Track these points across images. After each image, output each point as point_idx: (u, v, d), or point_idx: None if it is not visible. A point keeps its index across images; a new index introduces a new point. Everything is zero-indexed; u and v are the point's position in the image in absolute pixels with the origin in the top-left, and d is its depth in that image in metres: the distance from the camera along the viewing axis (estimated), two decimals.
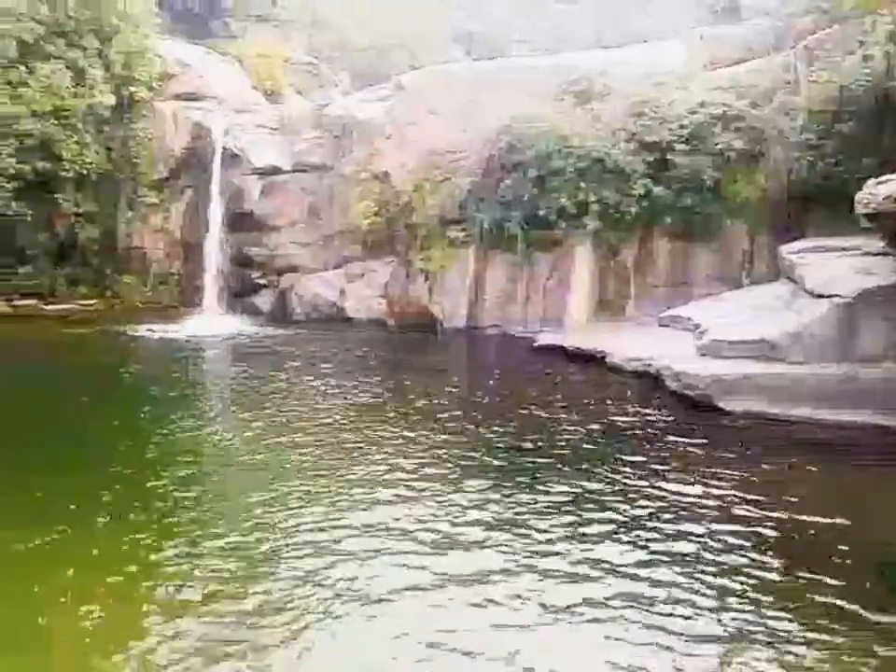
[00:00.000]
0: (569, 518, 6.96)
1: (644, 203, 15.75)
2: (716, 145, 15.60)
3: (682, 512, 7.12)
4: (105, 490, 7.34)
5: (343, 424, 9.93)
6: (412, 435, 9.44)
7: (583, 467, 8.31)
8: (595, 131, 16.17)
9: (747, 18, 21.53)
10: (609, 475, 8.08)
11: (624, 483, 7.86)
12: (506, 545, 6.36)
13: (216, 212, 20.19)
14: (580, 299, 16.96)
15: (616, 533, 6.64)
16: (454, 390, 12.58)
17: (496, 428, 9.78)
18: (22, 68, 18.18)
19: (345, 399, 11.35)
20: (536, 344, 15.63)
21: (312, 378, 12.78)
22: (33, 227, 19.36)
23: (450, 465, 8.34)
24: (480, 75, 19.40)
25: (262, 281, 20.93)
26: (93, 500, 7.09)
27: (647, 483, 7.84)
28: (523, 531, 6.64)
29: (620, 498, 7.43)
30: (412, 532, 6.57)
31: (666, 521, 6.92)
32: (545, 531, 6.65)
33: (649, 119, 16.14)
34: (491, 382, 12.96)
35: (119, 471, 7.94)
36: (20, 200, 18.45)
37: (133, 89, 20.18)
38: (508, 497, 7.44)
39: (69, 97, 18.56)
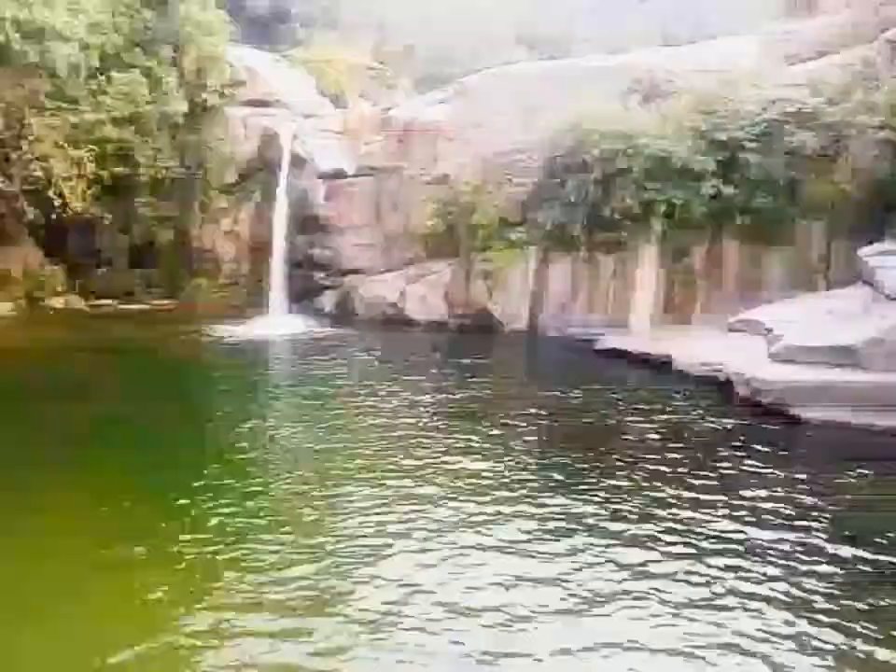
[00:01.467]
0: (636, 531, 6.81)
1: (713, 204, 15.33)
2: (790, 143, 15.04)
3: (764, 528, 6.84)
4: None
5: (410, 425, 9.94)
6: (476, 437, 9.38)
7: (649, 475, 8.11)
8: (663, 130, 15.81)
9: (824, 11, 20.65)
10: (678, 485, 7.84)
11: (697, 494, 7.59)
12: (580, 553, 6.27)
13: (282, 215, 20.69)
14: (644, 301, 16.64)
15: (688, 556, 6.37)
16: (515, 393, 12.51)
17: (559, 433, 9.67)
18: (103, 78, 19.04)
19: (409, 400, 11.40)
20: (598, 347, 15.43)
21: (375, 380, 12.89)
22: (111, 230, 20.26)
23: (510, 474, 8.18)
24: (543, 75, 19.27)
25: (326, 282, 21.32)
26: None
27: (724, 496, 7.54)
28: (597, 540, 6.55)
29: (691, 511, 7.14)
30: (499, 542, 6.57)
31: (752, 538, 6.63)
32: (611, 534, 6.55)
33: (718, 117, 15.70)
34: (553, 385, 12.81)
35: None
36: (99, 204, 19.30)
37: (204, 96, 20.89)
38: (575, 506, 7.26)
39: (146, 104, 19.32)
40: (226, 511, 6.96)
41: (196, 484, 7.62)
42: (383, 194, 20.62)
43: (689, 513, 7.05)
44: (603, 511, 7.12)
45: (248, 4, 26.18)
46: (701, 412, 10.77)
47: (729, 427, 10.09)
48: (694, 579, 5.82)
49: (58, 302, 19.25)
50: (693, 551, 6.29)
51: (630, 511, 7.11)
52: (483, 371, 14.16)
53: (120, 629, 5.10)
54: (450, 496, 7.41)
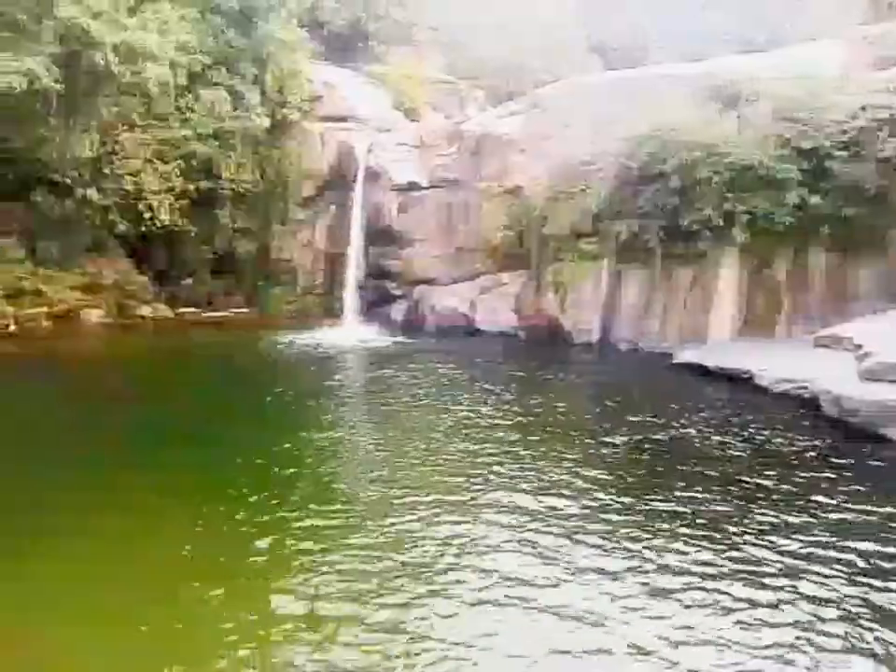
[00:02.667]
0: (713, 549, 6.61)
1: (799, 214, 14.78)
2: (880, 151, 14.36)
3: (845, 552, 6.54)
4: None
5: (479, 438, 9.93)
6: (548, 451, 9.31)
7: (729, 496, 7.83)
8: (744, 138, 15.38)
9: None
10: (761, 506, 7.57)
11: (783, 516, 7.31)
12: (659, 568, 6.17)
13: (357, 227, 21.20)
14: (723, 314, 16.16)
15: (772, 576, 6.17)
16: (588, 407, 12.38)
17: (636, 450, 9.42)
18: (190, 96, 19.96)
19: (473, 410, 11.36)
20: (674, 361, 15.06)
21: (445, 390, 12.97)
22: (195, 241, 21.16)
23: (583, 487, 8.09)
24: (617, 85, 19.07)
25: (397, 292, 21.63)
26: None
27: (805, 517, 7.25)
28: (675, 559, 6.41)
29: (773, 535, 6.87)
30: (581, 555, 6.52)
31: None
32: (693, 548, 6.38)
33: (803, 124, 15.14)
34: (627, 399, 12.58)
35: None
36: (185, 217, 20.20)
37: (285, 111, 21.61)
38: (656, 523, 7.14)
39: (229, 120, 20.15)
40: (312, 517, 7.09)
41: (279, 490, 7.82)
42: (454, 206, 20.80)
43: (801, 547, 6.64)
44: (701, 534, 6.88)
45: (328, 22, 26.95)
46: (787, 432, 10.34)
47: (819, 447, 9.65)
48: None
49: (146, 310, 20.20)
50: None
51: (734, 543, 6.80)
52: (557, 385, 14.01)
53: (205, 640, 5.22)
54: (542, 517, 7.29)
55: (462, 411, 11.27)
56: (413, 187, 21.37)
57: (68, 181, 18.13)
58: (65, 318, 18.51)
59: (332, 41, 27.27)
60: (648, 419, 10.90)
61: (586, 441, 9.80)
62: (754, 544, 6.64)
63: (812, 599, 5.71)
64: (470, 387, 13.01)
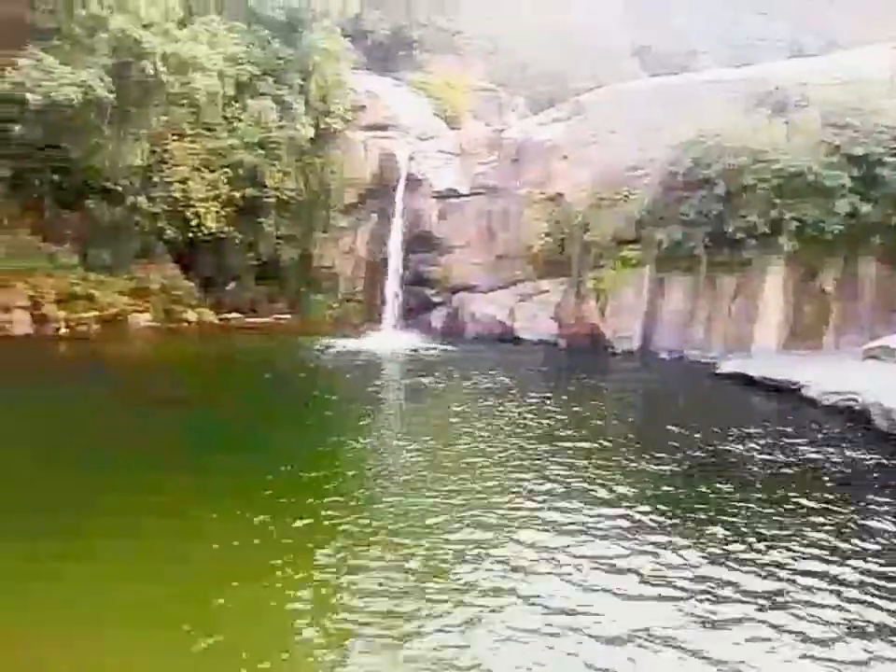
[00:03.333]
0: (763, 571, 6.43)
1: (849, 222, 14.38)
2: None
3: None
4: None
5: (519, 448, 9.84)
6: (591, 463, 9.16)
7: (779, 516, 7.57)
8: (792, 144, 15.04)
9: None
10: (814, 528, 7.31)
11: (835, 541, 7.06)
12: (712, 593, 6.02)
13: (397, 234, 21.38)
14: (769, 324, 15.80)
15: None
16: (632, 417, 12.18)
17: (680, 463, 9.19)
18: (237, 105, 20.41)
19: (520, 421, 11.27)
20: (718, 371, 14.77)
21: (484, 398, 12.89)
22: (240, 248, 21.58)
23: (627, 502, 7.92)
24: (662, 91, 18.87)
25: (437, 299, 21.73)
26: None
27: (858, 542, 6.95)
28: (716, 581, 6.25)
29: (827, 561, 6.58)
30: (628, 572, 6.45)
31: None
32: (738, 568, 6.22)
33: (854, 130, 14.75)
34: (671, 409, 12.37)
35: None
36: (231, 224, 20.63)
37: (328, 120, 21.93)
38: (697, 541, 6.93)
39: (275, 130, 20.53)
40: (354, 521, 7.14)
41: (320, 494, 7.89)
42: (495, 213, 20.81)
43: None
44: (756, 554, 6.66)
45: (371, 31, 27.31)
46: (837, 446, 10.02)
47: (870, 464, 9.31)
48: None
49: (191, 315, 20.65)
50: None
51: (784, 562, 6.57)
52: (599, 394, 13.88)
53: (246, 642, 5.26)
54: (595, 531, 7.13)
55: (502, 420, 11.20)
56: (453, 194, 21.47)
57: (119, 189, 18.69)
58: (114, 322, 19.05)
59: (375, 50, 27.60)
60: (693, 431, 10.66)
61: (630, 453, 9.61)
62: (808, 573, 6.28)
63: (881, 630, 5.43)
64: (510, 396, 12.92)
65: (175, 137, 19.64)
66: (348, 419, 11.49)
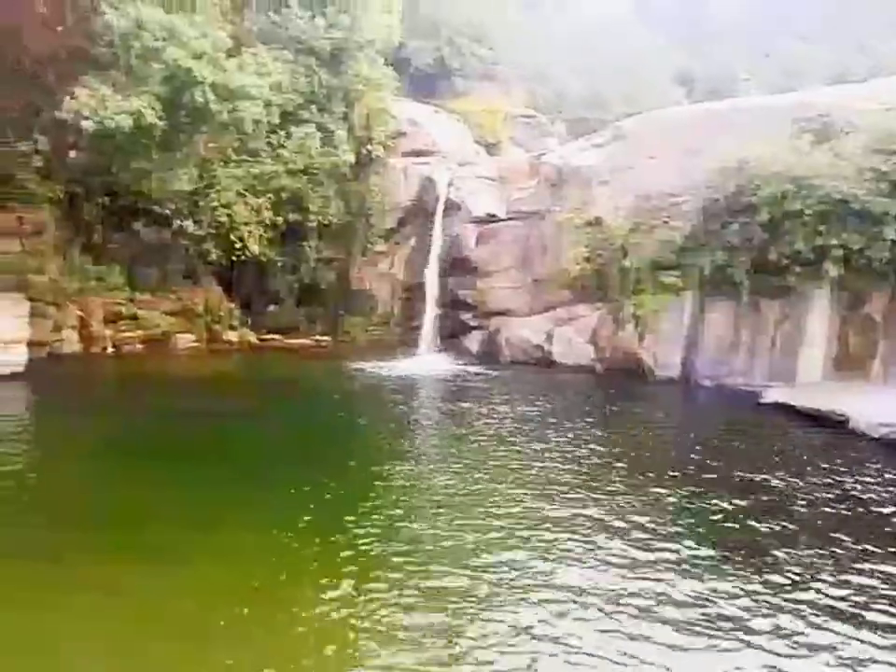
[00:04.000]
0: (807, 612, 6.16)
1: None
2: None
3: None
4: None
5: (559, 477, 9.66)
6: (630, 496, 8.91)
7: (835, 554, 7.28)
8: (838, 170, 14.74)
9: None
10: (859, 565, 7.04)
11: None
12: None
13: (435, 258, 21.56)
14: (814, 353, 15.38)
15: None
16: (669, 446, 11.91)
17: (722, 496, 8.87)
18: (282, 132, 20.90)
19: (556, 447, 11.13)
20: (761, 401, 14.42)
21: (522, 423, 12.80)
22: (281, 271, 21.99)
23: (672, 542, 7.59)
24: (704, 117, 18.73)
25: (473, 323, 21.75)
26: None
27: None
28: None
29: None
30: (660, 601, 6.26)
31: None
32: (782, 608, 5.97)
33: None
34: (713, 440, 12.04)
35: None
36: (273, 248, 21.04)
37: (370, 147, 22.32)
38: (756, 593, 6.50)
39: (318, 156, 20.95)
40: (387, 544, 7.11)
41: (354, 517, 7.89)
42: (532, 238, 20.83)
43: None
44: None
45: (413, 60, 27.85)
46: (883, 479, 9.66)
47: None
48: None
49: (233, 336, 21.05)
50: None
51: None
52: (638, 423, 13.59)
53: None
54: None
55: (539, 447, 11.05)
56: (491, 219, 21.59)
57: (167, 212, 19.25)
58: (158, 342, 19.54)
59: (416, 78, 28.10)
60: (738, 465, 10.35)
61: (674, 486, 9.31)
62: (883, 626, 5.86)
63: None
64: (549, 423, 12.77)
65: (221, 163, 20.17)
66: (384, 443, 11.52)
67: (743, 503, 8.67)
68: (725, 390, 16.13)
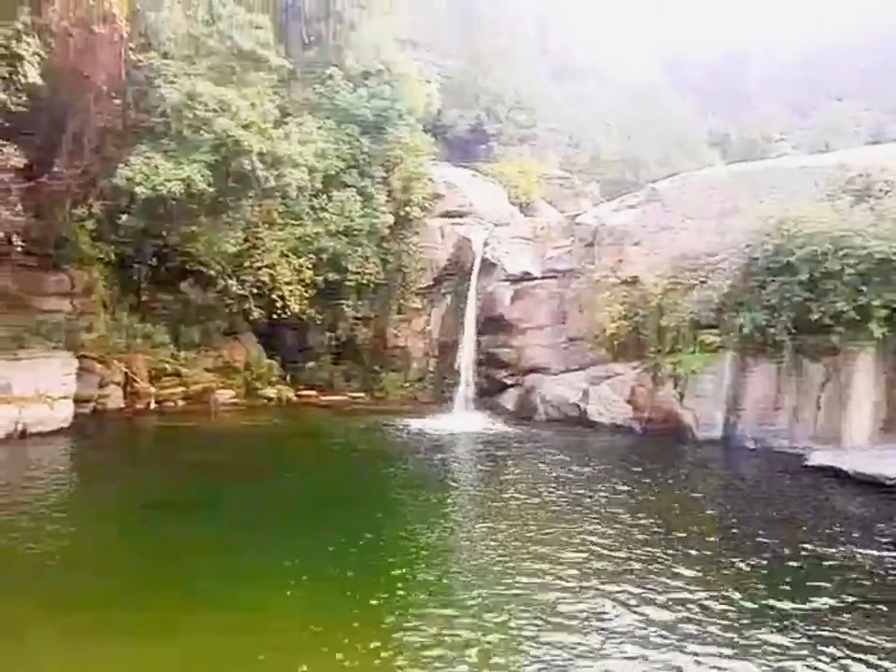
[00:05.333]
0: None
1: None
2: None
3: None
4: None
5: (602, 543, 9.36)
6: (673, 564, 8.57)
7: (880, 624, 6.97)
8: (879, 230, 14.60)
9: None
10: None
11: None
12: None
13: (470, 316, 21.75)
14: (861, 414, 14.92)
15: None
16: (716, 512, 11.49)
17: (770, 568, 8.51)
18: (324, 196, 21.64)
19: (600, 511, 10.82)
20: (806, 463, 13.96)
21: (558, 485, 12.49)
22: (319, 328, 22.43)
23: (731, 613, 7.21)
24: (739, 177, 18.82)
25: (508, 381, 21.71)
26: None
27: None
28: None
29: None
30: None
31: None
32: None
33: None
34: (758, 505, 11.64)
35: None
36: (312, 306, 21.52)
37: (408, 209, 22.96)
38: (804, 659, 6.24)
39: (358, 218, 21.60)
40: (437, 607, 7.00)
41: (389, 578, 7.81)
42: (567, 296, 20.91)
43: None
44: None
45: (450, 126, 28.80)
46: None
47: None
48: None
49: (271, 392, 21.37)
50: None
51: None
52: (680, 485, 13.21)
53: None
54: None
55: (581, 510, 10.79)
56: (526, 277, 21.77)
57: (212, 273, 19.91)
58: (199, 398, 19.93)
59: (454, 143, 28.99)
60: (785, 530, 9.97)
61: (721, 554, 8.95)
62: None
63: None
64: (588, 484, 12.53)
65: (266, 225, 20.91)
66: (421, 501, 11.43)
67: (795, 571, 8.31)
68: (769, 452, 15.69)
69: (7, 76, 12.33)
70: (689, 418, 17.29)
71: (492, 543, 9.10)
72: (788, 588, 7.84)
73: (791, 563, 8.69)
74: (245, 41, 17.10)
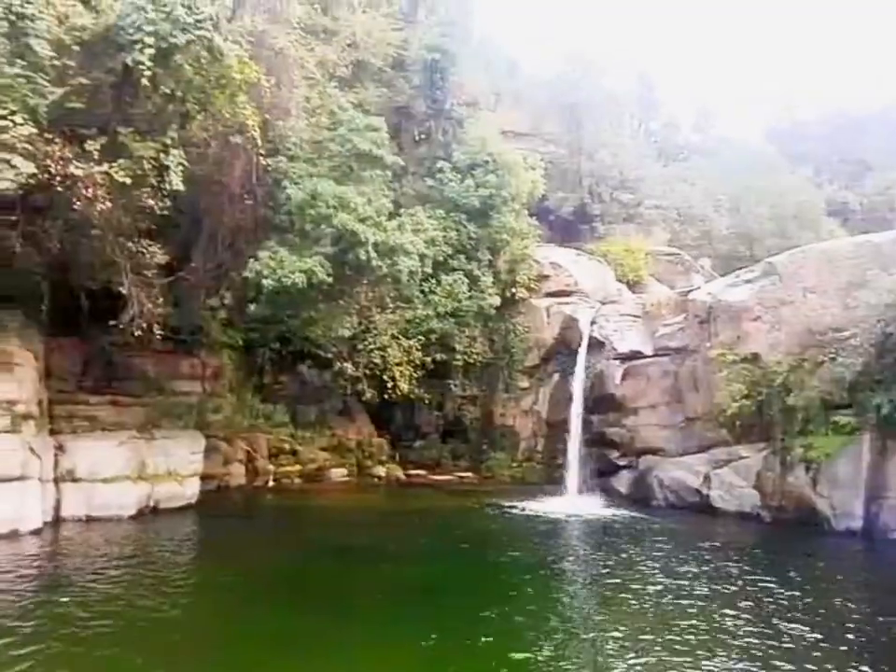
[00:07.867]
0: None
1: None
2: None
3: None
4: None
5: (718, 651, 8.58)
6: None
7: None
8: None
9: None
10: None
11: None
12: None
13: (579, 395, 21.36)
14: None
15: None
16: (858, 618, 10.13)
17: None
18: (433, 280, 22.40)
19: (734, 614, 9.86)
20: None
21: (675, 582, 11.53)
22: (428, 408, 22.78)
23: None
24: (865, 248, 17.89)
25: (621, 462, 20.99)
26: None
27: None
28: None
29: None
30: None
31: None
32: None
33: None
34: None
35: None
36: (421, 386, 21.96)
37: (514, 290, 23.36)
38: None
39: (465, 300, 22.16)
40: None
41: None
42: (682, 374, 20.22)
43: None
44: None
45: (554, 209, 29.29)
46: None
47: None
48: None
49: (381, 470, 21.74)
50: None
51: None
52: (817, 585, 11.86)
53: None
54: None
55: (712, 610, 9.96)
56: (636, 355, 21.30)
57: (329, 356, 20.86)
58: (313, 475, 20.55)
59: (558, 224, 29.38)
60: None
61: (873, 664, 8.04)
62: None
63: None
64: (715, 578, 11.69)
65: (377, 309, 21.82)
66: (535, 590, 11.05)
67: None
68: None
69: (155, 184, 13.78)
70: (824, 506, 15.96)
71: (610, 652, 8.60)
72: None
73: None
74: (363, 143, 18.39)
